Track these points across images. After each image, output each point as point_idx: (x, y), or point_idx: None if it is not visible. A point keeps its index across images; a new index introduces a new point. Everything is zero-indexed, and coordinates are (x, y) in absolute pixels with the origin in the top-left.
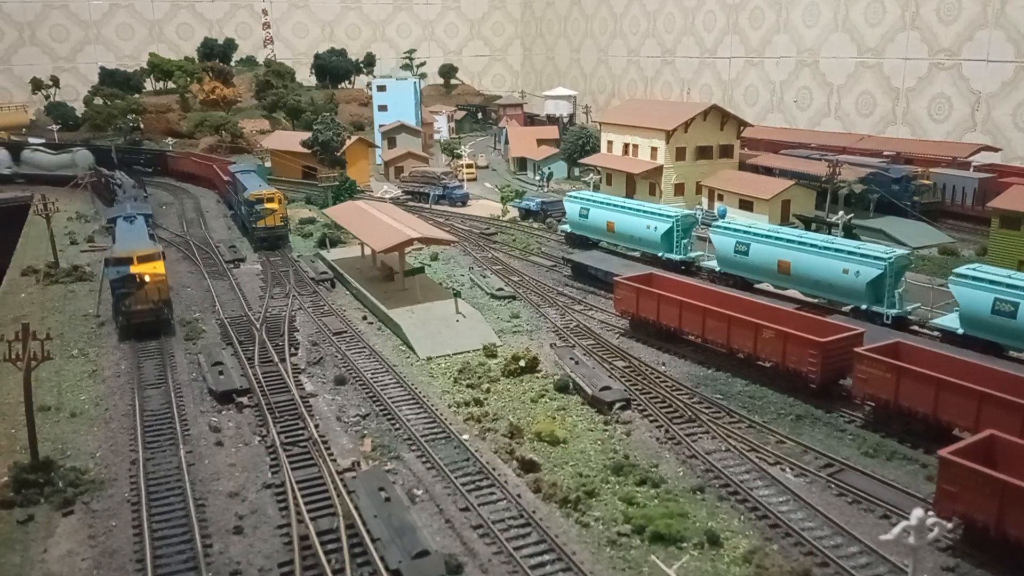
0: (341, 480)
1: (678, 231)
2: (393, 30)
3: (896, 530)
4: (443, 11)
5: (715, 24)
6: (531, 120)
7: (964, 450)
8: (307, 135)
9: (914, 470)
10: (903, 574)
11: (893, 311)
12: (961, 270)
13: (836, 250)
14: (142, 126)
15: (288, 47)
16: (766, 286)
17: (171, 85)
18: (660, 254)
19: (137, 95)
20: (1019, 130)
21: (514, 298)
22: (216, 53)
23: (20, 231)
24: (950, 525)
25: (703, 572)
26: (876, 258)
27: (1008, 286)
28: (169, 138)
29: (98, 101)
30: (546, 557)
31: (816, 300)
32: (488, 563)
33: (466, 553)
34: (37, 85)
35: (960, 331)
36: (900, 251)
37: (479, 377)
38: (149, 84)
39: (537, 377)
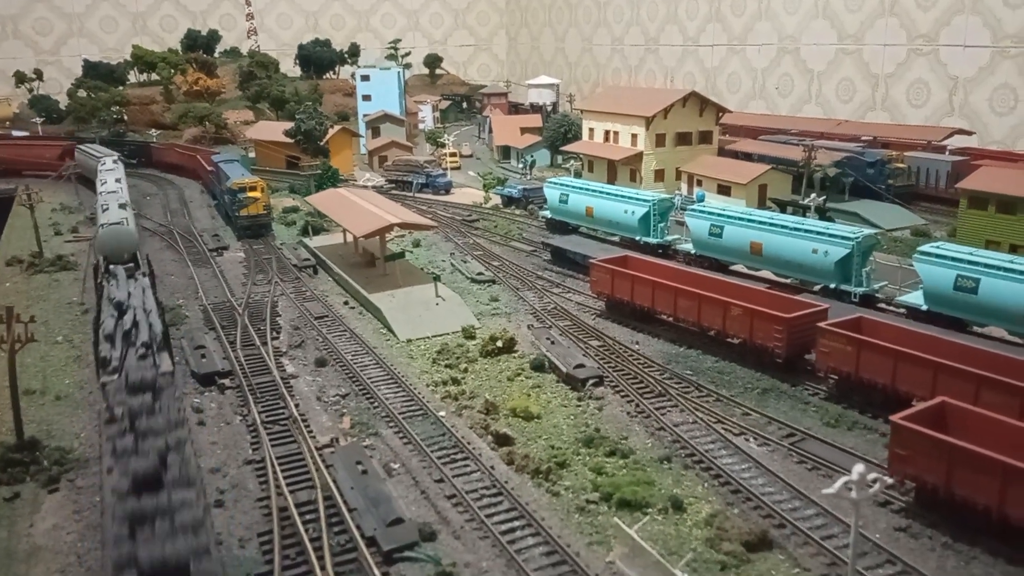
0: (320, 456)
1: (655, 215)
2: (377, 20)
3: (838, 484)
4: (427, 1)
5: (698, 12)
6: (515, 109)
7: (916, 416)
8: (291, 125)
9: (873, 439)
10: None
11: (861, 289)
12: (925, 248)
13: (806, 231)
14: (126, 118)
15: (272, 38)
16: (740, 268)
17: (155, 77)
18: (638, 238)
19: (121, 87)
20: (995, 114)
21: (494, 282)
22: (200, 44)
23: (5, 222)
24: (890, 480)
25: (666, 535)
26: (844, 238)
27: (969, 263)
28: (153, 130)
29: (82, 94)
30: (516, 523)
31: (788, 280)
32: (460, 530)
33: (440, 521)
34: (20, 79)
35: (924, 307)
36: (867, 231)
37: (457, 358)
38: (133, 76)
39: (514, 357)
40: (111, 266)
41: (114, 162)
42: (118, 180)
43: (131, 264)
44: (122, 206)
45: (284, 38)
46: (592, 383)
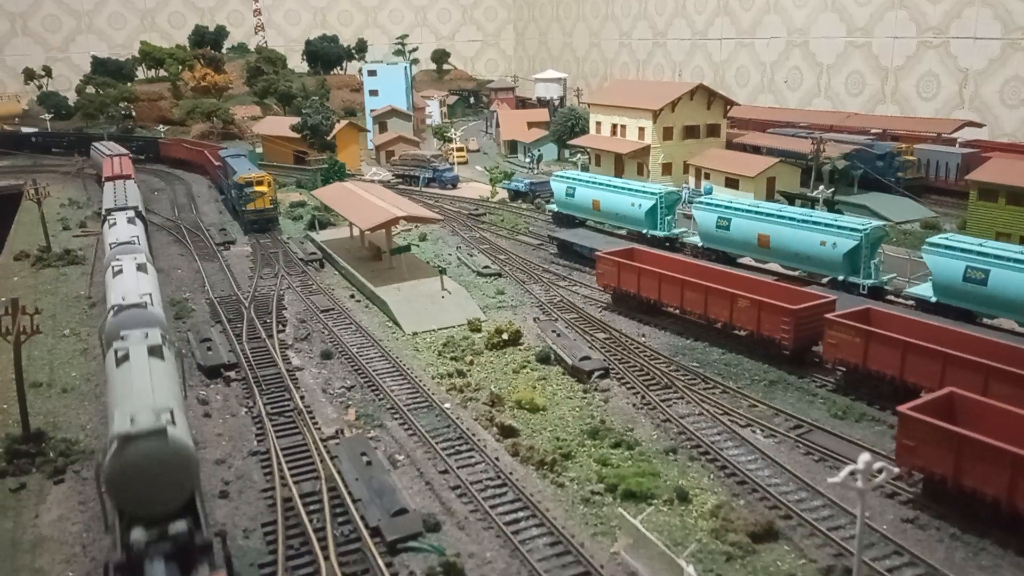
0: (325, 447)
1: (662, 208)
2: (385, 16)
3: (843, 473)
4: None
5: (706, 6)
6: (522, 104)
7: (924, 406)
8: (298, 120)
9: (882, 430)
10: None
11: (869, 281)
12: (934, 239)
13: (814, 223)
14: (134, 114)
15: (280, 34)
16: (748, 260)
17: (163, 73)
18: (645, 231)
19: (129, 84)
20: (1006, 107)
21: (500, 275)
22: (207, 41)
23: (14, 217)
24: (896, 470)
25: (671, 526)
26: (852, 230)
27: (979, 254)
28: (161, 125)
29: (90, 90)
30: (520, 515)
31: (796, 272)
32: (465, 520)
33: (444, 512)
34: (30, 75)
35: (933, 299)
36: (875, 223)
37: (463, 350)
38: (141, 72)
39: (520, 349)
40: (137, 538)
41: (130, 220)
42: (141, 267)
43: (184, 529)
44: (154, 351)
45: (292, 34)
46: (598, 375)
